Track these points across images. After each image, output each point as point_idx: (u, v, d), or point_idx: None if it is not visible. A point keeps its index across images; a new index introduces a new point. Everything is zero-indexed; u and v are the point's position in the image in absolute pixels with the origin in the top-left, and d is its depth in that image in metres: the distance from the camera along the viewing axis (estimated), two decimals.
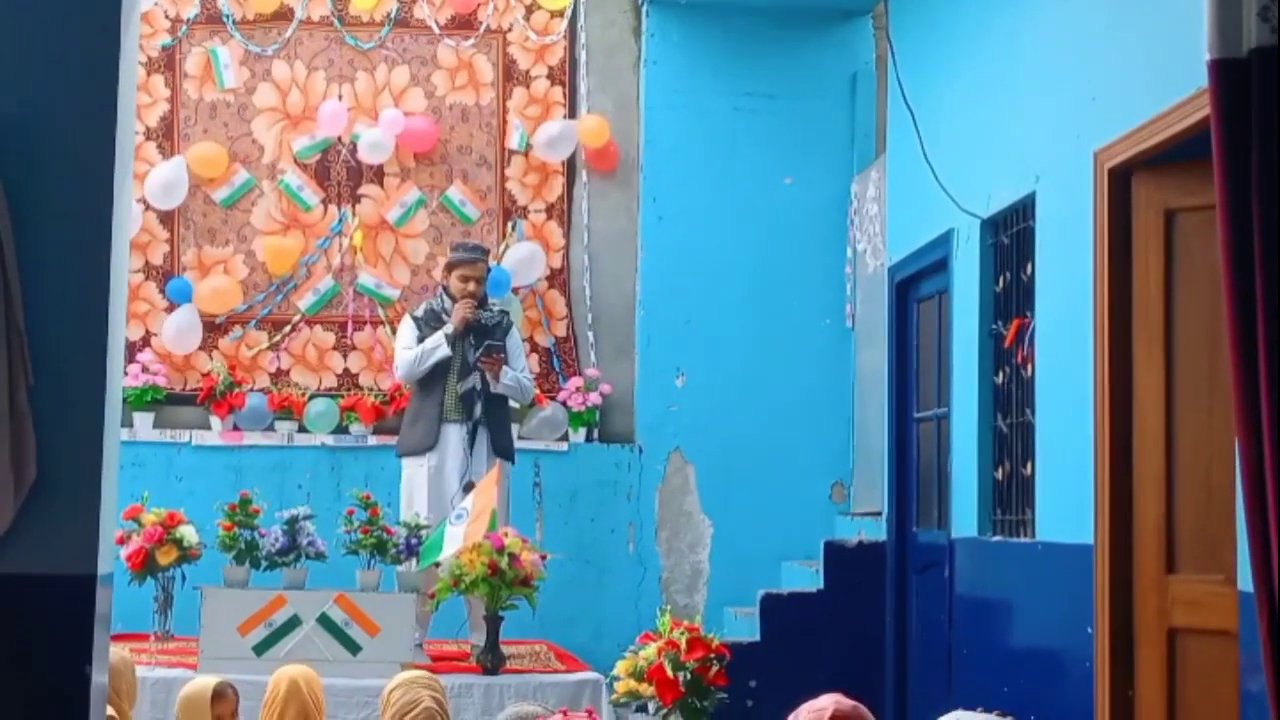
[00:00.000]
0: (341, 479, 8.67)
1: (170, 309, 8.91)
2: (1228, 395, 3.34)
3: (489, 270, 8.21)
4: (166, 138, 9.01)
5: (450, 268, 8.03)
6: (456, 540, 6.90)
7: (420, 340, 7.88)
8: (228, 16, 9.06)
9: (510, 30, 9.23)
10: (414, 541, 7.13)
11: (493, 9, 9.19)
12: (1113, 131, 5.20)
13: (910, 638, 7.61)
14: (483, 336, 7.86)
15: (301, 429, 8.85)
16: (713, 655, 6.32)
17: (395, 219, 9.07)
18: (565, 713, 4.24)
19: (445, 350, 7.79)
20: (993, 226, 6.51)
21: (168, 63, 9.06)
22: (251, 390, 8.88)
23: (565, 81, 9.23)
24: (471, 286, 7.90)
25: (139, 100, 8.63)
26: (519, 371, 7.99)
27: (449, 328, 7.81)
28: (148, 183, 8.75)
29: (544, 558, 7.12)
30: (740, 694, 7.13)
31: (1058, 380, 5.72)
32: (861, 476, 8.79)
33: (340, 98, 9.09)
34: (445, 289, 8.04)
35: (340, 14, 9.13)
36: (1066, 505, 5.57)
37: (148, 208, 8.88)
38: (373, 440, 8.82)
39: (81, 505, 3.64)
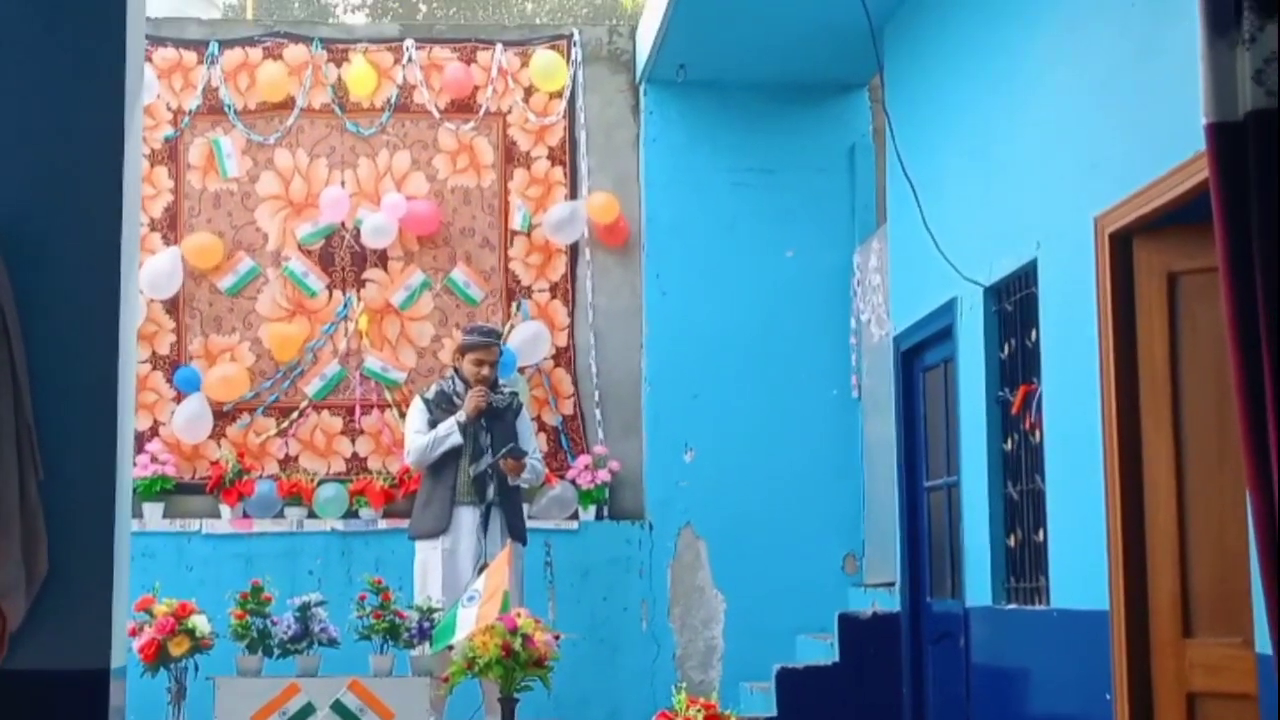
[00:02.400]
0: (352, 564, 8.65)
1: (178, 398, 8.93)
2: (1238, 456, 3.33)
3: (501, 353, 8.23)
4: (171, 228, 9.06)
5: (464, 351, 8.05)
6: (469, 622, 6.86)
7: (431, 423, 7.88)
8: (229, 106, 9.14)
9: (510, 112, 9.29)
10: (426, 625, 7.10)
11: (492, 91, 9.25)
12: (1112, 196, 5.22)
13: (928, 709, 7.55)
14: (494, 420, 7.86)
15: (311, 515, 8.84)
16: None
17: (400, 302, 9.10)
18: None
19: (457, 438, 7.80)
20: (996, 294, 6.53)
21: (170, 154, 9.12)
22: (260, 477, 8.87)
23: (566, 161, 9.28)
24: (485, 371, 7.92)
25: (143, 192, 8.68)
26: (531, 455, 7.98)
27: (461, 415, 7.82)
28: (140, 272, 8.76)
29: (557, 638, 7.07)
30: None
31: (1066, 446, 5.71)
32: (873, 547, 8.76)
33: (342, 184, 9.14)
34: (457, 371, 8.05)
35: (341, 101, 9.20)
36: (1080, 571, 5.55)
37: (152, 301, 8.92)
38: (383, 524, 8.81)
39: (93, 599, 3.64)
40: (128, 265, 3.84)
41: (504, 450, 7.74)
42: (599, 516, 8.99)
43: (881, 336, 8.30)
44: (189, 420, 8.85)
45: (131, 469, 3.99)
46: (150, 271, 8.83)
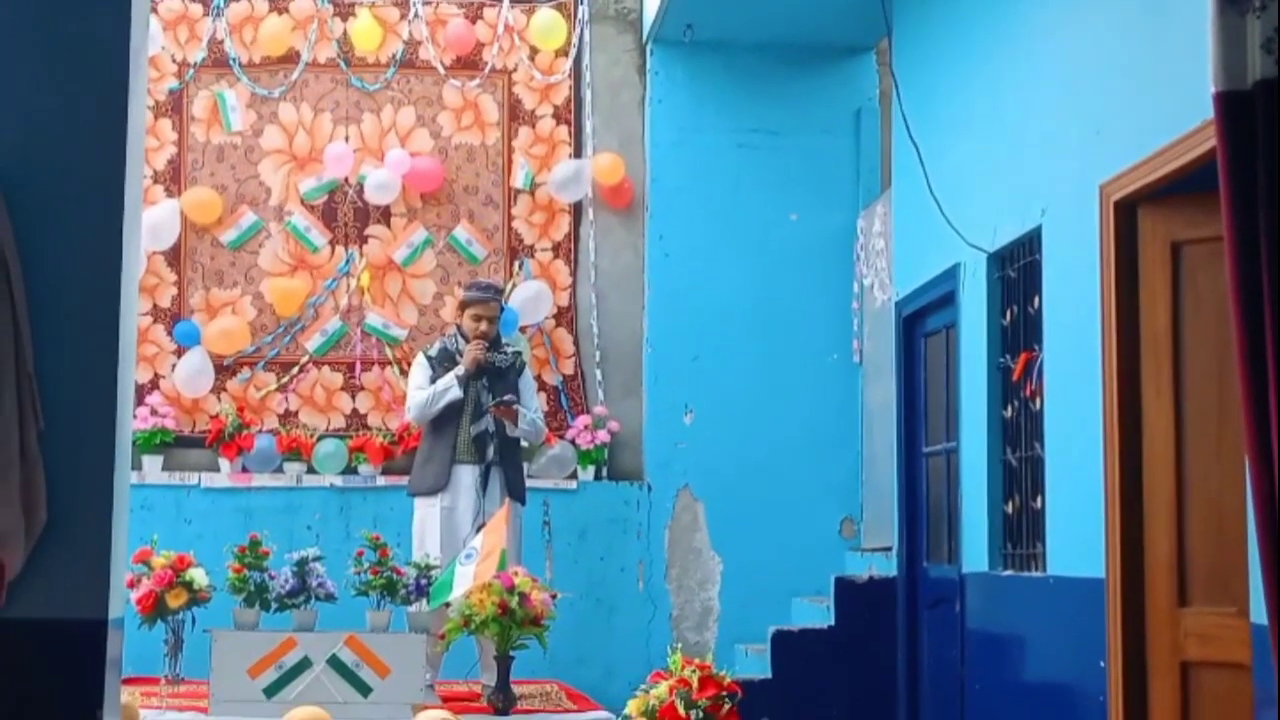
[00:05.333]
0: (351, 520, 8.66)
1: (179, 351, 8.93)
2: (1238, 426, 3.34)
3: (502, 309, 8.20)
4: (174, 181, 9.04)
5: (463, 306, 8.03)
6: (466, 580, 6.88)
7: (433, 380, 7.87)
8: (234, 60, 9.11)
9: (515, 70, 9.26)
10: (424, 582, 7.11)
11: (498, 49, 9.22)
12: (1118, 164, 5.21)
13: (922, 673, 7.58)
14: (496, 378, 7.84)
15: (310, 470, 8.85)
16: (724, 693, 6.28)
17: (402, 259, 9.08)
18: None
19: (457, 392, 7.78)
20: (999, 260, 6.52)
21: (175, 106, 9.10)
22: (260, 432, 8.88)
23: (571, 120, 9.26)
24: (484, 326, 7.89)
25: (146, 144, 8.65)
26: (532, 412, 7.97)
27: (460, 369, 7.80)
28: None
29: (554, 597, 7.09)
30: None
31: (1066, 413, 5.71)
32: (871, 512, 8.77)
33: (347, 139, 9.12)
34: (459, 328, 8.03)
35: (346, 56, 9.17)
36: (1077, 538, 5.56)
37: (153, 253, 8.91)
38: (381, 481, 8.82)
39: (92, 549, 3.64)
40: (130, 217, 3.84)
41: (497, 400, 7.73)
42: (598, 477, 9.00)
43: (884, 301, 8.29)
44: (189, 373, 8.85)
45: (131, 421, 3.99)
46: (146, 222, 8.80)
